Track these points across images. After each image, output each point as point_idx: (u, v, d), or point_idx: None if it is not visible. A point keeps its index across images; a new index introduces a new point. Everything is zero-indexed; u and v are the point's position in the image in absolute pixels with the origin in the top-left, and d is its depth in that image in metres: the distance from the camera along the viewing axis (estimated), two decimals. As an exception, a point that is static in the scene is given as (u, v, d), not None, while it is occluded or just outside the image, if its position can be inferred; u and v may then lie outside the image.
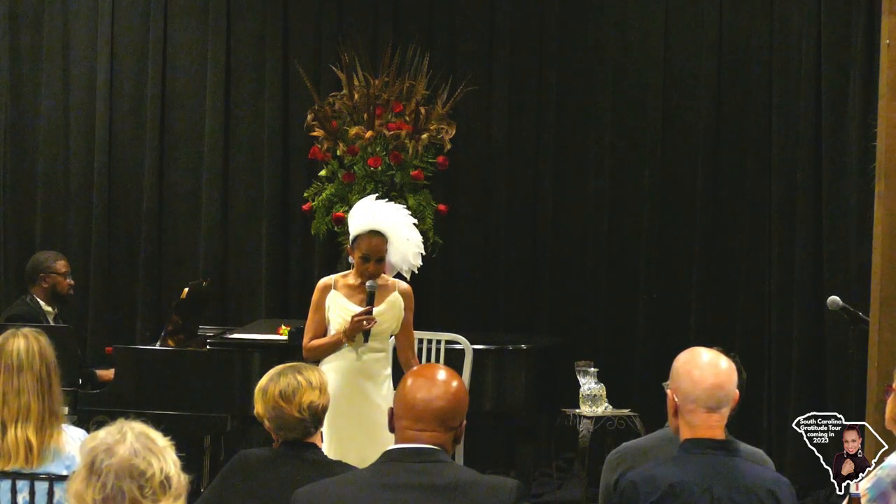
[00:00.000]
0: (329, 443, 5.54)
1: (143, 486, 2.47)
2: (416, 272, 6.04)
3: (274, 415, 3.96)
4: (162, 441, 2.53)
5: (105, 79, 8.91)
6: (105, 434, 2.52)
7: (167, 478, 2.49)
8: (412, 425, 3.13)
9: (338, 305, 5.74)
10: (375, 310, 5.72)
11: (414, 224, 5.99)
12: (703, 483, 3.45)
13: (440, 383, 3.17)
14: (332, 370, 5.64)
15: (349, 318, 5.68)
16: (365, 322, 5.64)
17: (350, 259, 5.87)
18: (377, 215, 5.79)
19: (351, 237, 5.78)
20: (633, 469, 3.66)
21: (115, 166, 8.98)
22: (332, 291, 5.76)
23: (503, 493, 3.08)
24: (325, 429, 5.49)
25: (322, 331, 5.78)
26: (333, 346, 5.72)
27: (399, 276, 6.00)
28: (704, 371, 3.56)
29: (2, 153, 8.99)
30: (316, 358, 5.74)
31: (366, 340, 5.68)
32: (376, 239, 5.71)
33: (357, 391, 5.72)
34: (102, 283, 8.92)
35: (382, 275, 5.88)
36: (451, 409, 3.16)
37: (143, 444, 2.49)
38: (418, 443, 3.11)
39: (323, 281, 5.85)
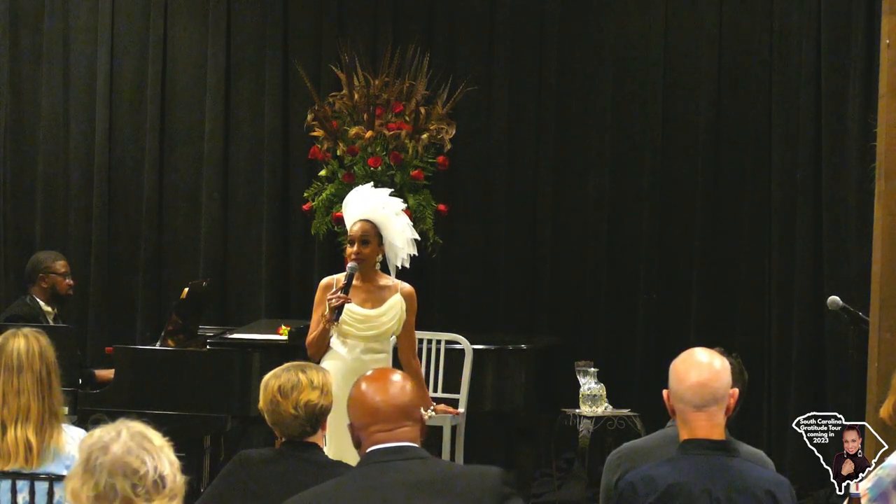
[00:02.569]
0: (329, 443, 5.54)
1: (135, 485, 2.46)
2: (416, 255, 6.05)
3: (271, 409, 3.97)
4: (159, 440, 2.53)
5: (105, 79, 8.91)
6: (101, 432, 2.52)
7: (161, 477, 2.48)
8: (382, 427, 3.14)
9: None
10: (376, 310, 5.74)
11: (403, 209, 6.02)
12: (701, 484, 3.45)
13: (394, 381, 3.21)
14: (331, 371, 5.64)
15: (352, 316, 5.70)
16: (334, 299, 5.65)
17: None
18: (366, 201, 5.86)
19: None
20: (633, 470, 3.66)
21: (115, 166, 8.97)
22: (334, 290, 5.77)
23: (488, 480, 3.09)
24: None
25: None
26: (322, 335, 5.73)
27: (399, 276, 6.01)
28: (690, 369, 3.57)
29: (2, 153, 8.99)
30: (316, 352, 5.76)
31: (337, 319, 5.67)
32: (359, 223, 5.78)
33: None
34: (102, 283, 8.92)
35: (386, 276, 5.90)
36: (410, 402, 3.18)
37: (137, 443, 2.49)
38: (393, 442, 3.13)
39: (325, 280, 5.87)
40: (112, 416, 2.68)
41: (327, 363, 5.72)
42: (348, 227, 5.87)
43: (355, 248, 5.76)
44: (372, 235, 5.78)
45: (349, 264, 5.76)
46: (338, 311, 5.66)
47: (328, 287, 5.79)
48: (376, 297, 5.80)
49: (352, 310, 5.72)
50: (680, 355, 3.64)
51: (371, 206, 5.85)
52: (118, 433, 2.51)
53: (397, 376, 3.25)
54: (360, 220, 5.80)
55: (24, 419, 4.08)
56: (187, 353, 7.01)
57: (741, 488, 3.45)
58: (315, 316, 5.79)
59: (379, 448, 3.13)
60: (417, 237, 6.07)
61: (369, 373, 3.36)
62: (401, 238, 5.87)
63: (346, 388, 5.60)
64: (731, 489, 3.44)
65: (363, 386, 3.22)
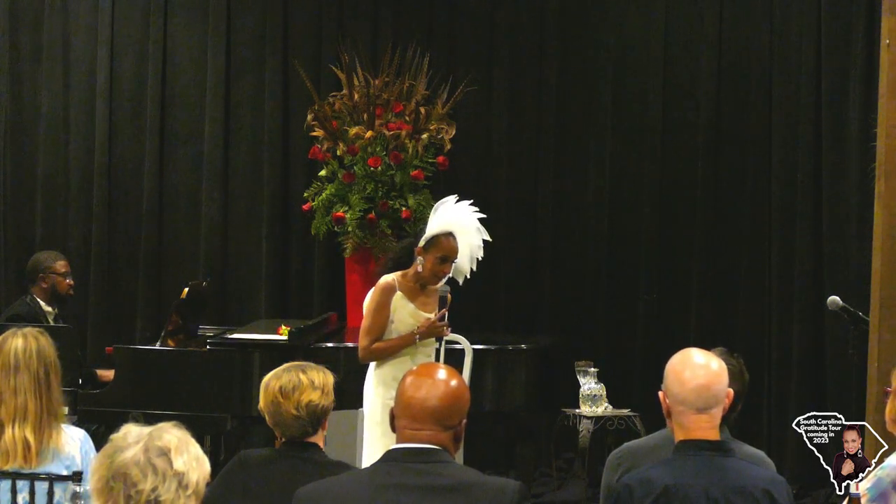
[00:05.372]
0: (370, 450, 5.53)
1: (129, 497, 2.46)
2: (469, 277, 6.05)
3: (272, 410, 3.97)
4: (181, 465, 2.49)
5: (105, 79, 8.91)
6: (137, 431, 2.53)
7: (157, 500, 2.47)
8: (409, 425, 3.12)
9: (405, 309, 5.73)
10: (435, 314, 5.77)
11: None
12: (699, 484, 3.44)
13: (438, 382, 3.16)
14: (397, 372, 5.57)
15: (419, 322, 5.70)
16: (445, 328, 5.70)
17: (419, 258, 5.73)
18: (471, 218, 5.86)
19: (430, 235, 5.72)
20: (632, 470, 3.66)
21: (115, 166, 8.97)
22: (398, 293, 5.73)
23: (505, 496, 3.07)
24: (377, 426, 5.50)
25: (383, 332, 5.74)
26: (401, 348, 5.73)
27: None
28: (693, 372, 3.54)
29: (2, 153, 8.99)
30: (375, 360, 5.75)
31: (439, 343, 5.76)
32: (456, 241, 5.75)
33: None
34: (102, 283, 8.92)
35: None
36: (446, 409, 3.14)
37: (148, 458, 2.48)
38: (417, 442, 3.11)
39: (385, 281, 5.75)
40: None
41: (392, 364, 5.72)
42: (438, 232, 5.72)
43: (447, 266, 5.73)
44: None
45: (444, 289, 5.75)
46: (441, 338, 5.75)
47: (391, 290, 5.71)
48: (434, 300, 5.82)
49: (421, 315, 5.73)
50: (676, 357, 3.60)
51: (470, 223, 5.84)
52: (140, 440, 2.51)
53: (444, 380, 3.18)
54: (456, 238, 5.75)
55: (22, 418, 4.08)
56: (187, 353, 7.01)
57: (738, 488, 3.44)
58: (378, 321, 5.71)
59: (401, 447, 3.13)
60: (480, 257, 6.03)
61: (419, 367, 3.36)
62: (469, 254, 5.88)
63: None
64: (729, 489, 3.43)
65: (408, 379, 3.20)
